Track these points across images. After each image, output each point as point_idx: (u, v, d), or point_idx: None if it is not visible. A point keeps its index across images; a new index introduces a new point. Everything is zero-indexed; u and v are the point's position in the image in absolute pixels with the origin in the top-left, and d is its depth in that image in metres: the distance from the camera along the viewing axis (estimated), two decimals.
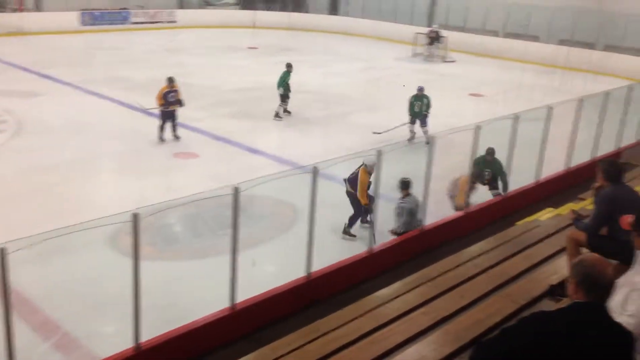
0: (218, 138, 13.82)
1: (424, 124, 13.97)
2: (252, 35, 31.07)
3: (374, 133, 13.70)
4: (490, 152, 9.96)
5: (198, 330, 6.03)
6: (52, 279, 7.54)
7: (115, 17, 29.22)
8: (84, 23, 27.52)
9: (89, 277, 7.67)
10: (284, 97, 15.81)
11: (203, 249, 8.71)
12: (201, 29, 31.22)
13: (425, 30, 27.39)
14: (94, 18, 28.21)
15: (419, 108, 13.93)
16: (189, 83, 19.09)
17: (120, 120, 14.88)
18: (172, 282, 7.67)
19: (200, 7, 34.44)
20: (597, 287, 2.77)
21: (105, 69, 20.70)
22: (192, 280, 7.80)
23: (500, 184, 10.03)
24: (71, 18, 27.54)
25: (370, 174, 8.82)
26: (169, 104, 13.10)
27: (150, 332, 5.76)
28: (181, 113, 15.45)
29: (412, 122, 14.00)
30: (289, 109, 16.03)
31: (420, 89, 14.21)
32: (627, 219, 3.88)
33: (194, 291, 7.44)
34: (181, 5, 33.79)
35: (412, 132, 13.98)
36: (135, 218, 5.34)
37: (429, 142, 9.17)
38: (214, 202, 8.99)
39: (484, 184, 9.97)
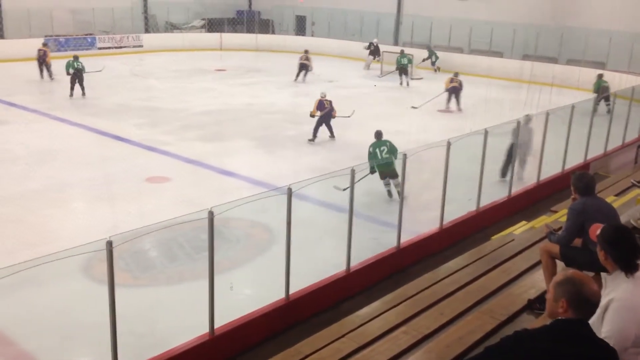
0: (189, 161, 13.74)
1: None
2: (219, 57, 31.10)
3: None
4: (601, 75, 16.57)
5: (177, 357, 5.93)
6: (25, 311, 7.35)
7: (81, 43, 28.96)
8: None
9: (63, 307, 7.51)
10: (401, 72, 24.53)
11: (180, 273, 8.60)
12: (168, 52, 31.16)
13: (366, 44, 29.16)
14: (59, 44, 27.91)
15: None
16: (157, 107, 19.06)
17: (89, 147, 14.68)
18: (150, 309, 7.55)
19: (166, 30, 34.39)
20: (588, 305, 2.81)
21: (72, 96, 20.46)
22: (170, 305, 7.69)
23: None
24: (35, 45, 27.13)
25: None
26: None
27: None
28: (150, 137, 15.40)
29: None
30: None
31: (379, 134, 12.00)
32: (596, 229, 3.87)
33: (172, 317, 7.33)
34: (147, 30, 33.68)
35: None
36: (109, 245, 5.26)
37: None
38: (189, 226, 8.89)
39: None
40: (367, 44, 29.04)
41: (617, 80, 22.20)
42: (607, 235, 3.57)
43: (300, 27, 36.56)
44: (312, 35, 35.01)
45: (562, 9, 26.29)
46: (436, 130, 15.89)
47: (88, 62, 26.56)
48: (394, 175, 10.79)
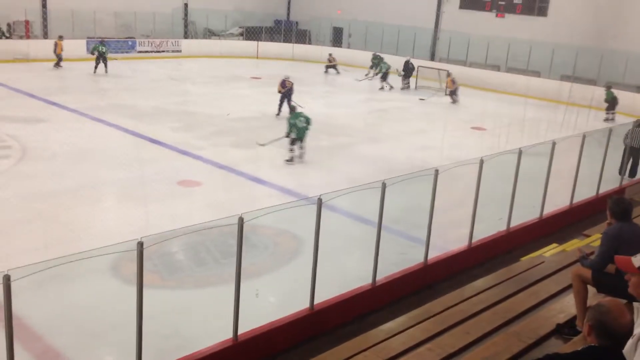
0: (221, 167, 13.86)
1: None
2: (255, 65, 31.39)
3: (260, 144, 15.32)
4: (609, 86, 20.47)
5: None
6: (53, 307, 7.48)
7: (122, 46, 29.54)
8: (90, 51, 27.80)
9: (90, 305, 7.62)
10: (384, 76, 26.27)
11: (206, 277, 8.66)
12: (205, 58, 31.58)
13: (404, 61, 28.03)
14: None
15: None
16: (193, 112, 19.32)
17: (125, 148, 14.94)
18: (175, 311, 7.61)
19: (205, 37, 34.88)
20: (610, 334, 2.74)
21: (110, 97, 20.87)
22: (195, 309, 7.75)
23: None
24: (78, 46, 27.84)
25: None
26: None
27: None
28: (184, 141, 15.60)
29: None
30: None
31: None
32: (626, 260, 3.58)
33: (197, 320, 7.38)
34: (186, 35, 34.22)
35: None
36: (140, 246, 5.32)
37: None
38: (218, 231, 8.99)
39: None
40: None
41: None
42: None
43: (337, 38, 36.74)
44: (349, 47, 35.13)
45: (603, 30, 25.92)
46: (470, 148, 15.78)
47: (127, 64, 27.25)
48: (303, 140, 14.40)
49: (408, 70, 27.10)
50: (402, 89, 26.68)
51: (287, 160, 14.36)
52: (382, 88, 26.31)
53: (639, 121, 13.84)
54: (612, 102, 22.21)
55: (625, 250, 4.73)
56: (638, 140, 13.44)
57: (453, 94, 24.14)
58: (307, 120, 14.44)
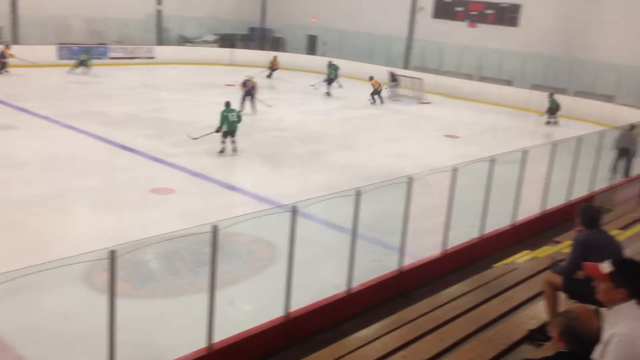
0: (195, 174, 13.78)
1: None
2: (229, 72, 31.28)
3: (192, 137, 15.92)
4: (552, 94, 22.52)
5: None
6: (23, 316, 7.34)
7: (94, 52, 29.20)
8: (61, 57, 27.46)
9: (61, 314, 7.49)
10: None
11: (180, 286, 8.59)
12: (179, 65, 31.38)
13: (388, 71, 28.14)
14: (71, 52, 28.12)
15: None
16: (166, 119, 19.17)
17: (96, 155, 14.76)
18: (148, 320, 7.53)
19: (179, 44, 34.67)
20: (579, 339, 2.79)
21: (81, 103, 20.60)
22: (169, 318, 7.67)
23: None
24: (48, 52, 27.48)
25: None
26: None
27: None
28: (157, 148, 15.48)
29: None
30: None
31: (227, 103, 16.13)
32: (594, 267, 3.64)
33: (171, 330, 7.31)
34: (160, 42, 33.97)
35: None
36: (112, 255, 5.26)
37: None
38: (191, 239, 8.92)
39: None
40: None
41: (625, 114, 22.24)
42: (628, 270, 3.47)
43: (312, 46, 36.82)
44: (323, 55, 35.24)
45: (573, 41, 26.44)
46: (443, 155, 15.93)
47: (99, 70, 26.98)
48: (235, 134, 15.40)
49: (395, 80, 27.22)
50: (395, 100, 26.56)
51: (220, 152, 15.32)
52: (328, 92, 26.47)
53: (633, 125, 15.47)
54: (555, 108, 23.73)
55: (594, 257, 4.80)
56: (630, 142, 14.87)
57: (375, 94, 25.06)
58: (238, 116, 15.65)
